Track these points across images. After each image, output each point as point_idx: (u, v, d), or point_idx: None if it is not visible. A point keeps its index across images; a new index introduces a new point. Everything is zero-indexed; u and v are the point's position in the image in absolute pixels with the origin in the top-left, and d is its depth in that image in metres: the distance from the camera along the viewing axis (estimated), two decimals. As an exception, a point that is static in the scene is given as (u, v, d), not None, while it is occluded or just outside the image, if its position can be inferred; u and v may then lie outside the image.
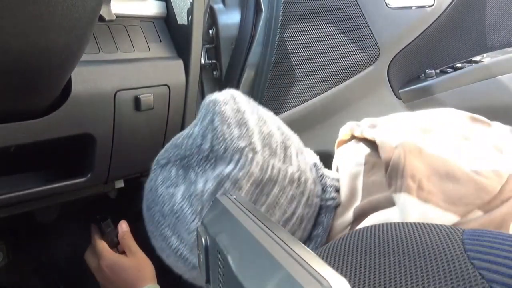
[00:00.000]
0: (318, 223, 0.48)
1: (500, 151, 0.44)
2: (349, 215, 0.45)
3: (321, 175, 0.50)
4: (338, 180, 0.50)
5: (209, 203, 0.40)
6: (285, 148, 0.44)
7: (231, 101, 0.43)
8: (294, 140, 0.48)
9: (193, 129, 0.45)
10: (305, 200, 0.45)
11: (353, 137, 0.54)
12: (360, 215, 0.44)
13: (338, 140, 0.57)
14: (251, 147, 0.41)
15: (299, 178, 0.44)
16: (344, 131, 0.55)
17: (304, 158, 0.48)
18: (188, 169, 0.43)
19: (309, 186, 0.45)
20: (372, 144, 0.48)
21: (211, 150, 0.42)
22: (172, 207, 0.43)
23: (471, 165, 0.40)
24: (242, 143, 0.41)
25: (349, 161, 0.50)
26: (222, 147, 0.41)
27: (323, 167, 0.52)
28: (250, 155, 0.40)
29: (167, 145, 0.48)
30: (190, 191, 0.42)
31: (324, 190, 0.49)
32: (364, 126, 0.51)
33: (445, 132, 0.46)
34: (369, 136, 0.48)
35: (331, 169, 0.56)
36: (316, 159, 0.53)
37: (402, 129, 0.47)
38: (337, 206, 0.48)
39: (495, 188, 0.38)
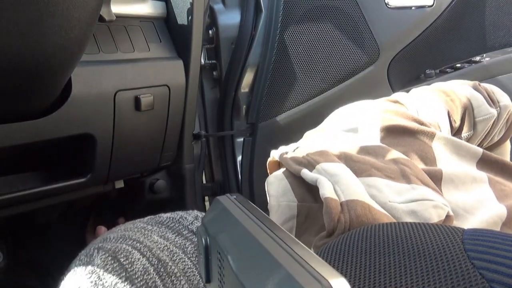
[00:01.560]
0: None
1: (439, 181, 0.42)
2: None
3: None
4: None
5: None
6: None
7: None
8: None
9: None
10: None
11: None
12: None
13: (269, 160, 0.52)
14: None
15: None
16: (276, 155, 0.50)
17: None
18: None
19: None
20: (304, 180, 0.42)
21: None
22: None
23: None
24: None
25: (279, 212, 0.44)
26: None
27: None
28: None
29: None
30: None
31: None
32: (298, 158, 0.44)
33: (385, 168, 0.41)
34: (309, 179, 0.41)
35: None
36: None
37: (348, 161, 0.41)
38: None
39: None
